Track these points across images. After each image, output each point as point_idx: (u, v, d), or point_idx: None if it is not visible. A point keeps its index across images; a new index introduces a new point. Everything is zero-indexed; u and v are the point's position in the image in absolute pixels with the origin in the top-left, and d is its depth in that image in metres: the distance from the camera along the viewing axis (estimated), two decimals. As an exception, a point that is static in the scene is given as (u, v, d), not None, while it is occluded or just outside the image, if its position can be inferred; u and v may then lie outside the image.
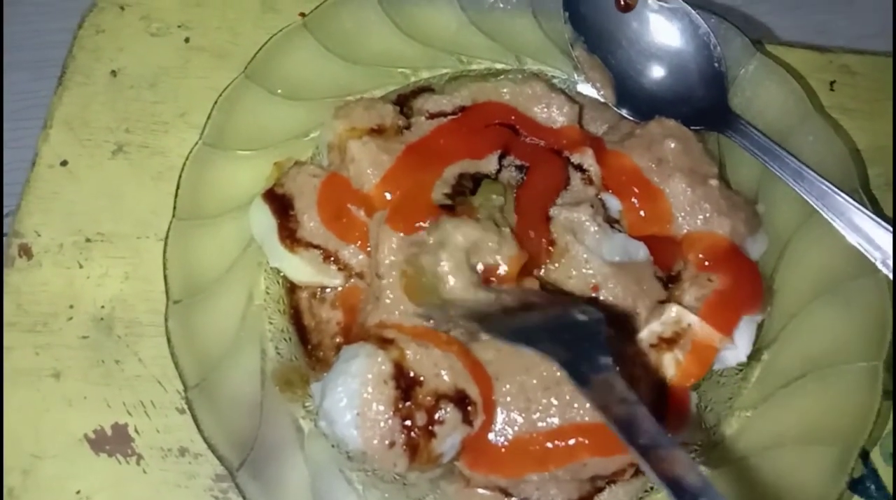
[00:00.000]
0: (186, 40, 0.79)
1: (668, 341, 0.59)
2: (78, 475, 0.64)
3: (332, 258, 0.63)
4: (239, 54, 0.77)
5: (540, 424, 0.56)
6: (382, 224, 0.60)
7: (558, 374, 0.56)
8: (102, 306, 0.69)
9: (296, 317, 0.65)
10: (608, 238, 0.62)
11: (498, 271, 0.57)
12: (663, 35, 0.71)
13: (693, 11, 0.71)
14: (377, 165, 0.63)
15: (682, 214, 0.64)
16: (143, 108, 0.76)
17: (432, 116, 0.67)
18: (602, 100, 0.73)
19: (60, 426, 0.65)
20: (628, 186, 0.65)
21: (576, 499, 0.59)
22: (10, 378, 0.66)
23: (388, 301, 0.60)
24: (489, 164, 0.65)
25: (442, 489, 0.60)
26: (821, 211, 0.64)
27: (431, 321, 0.59)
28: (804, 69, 0.79)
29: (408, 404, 0.55)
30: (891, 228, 0.61)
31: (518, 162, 0.66)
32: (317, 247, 0.63)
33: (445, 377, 0.57)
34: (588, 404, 0.52)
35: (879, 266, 0.61)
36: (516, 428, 0.57)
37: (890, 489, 0.65)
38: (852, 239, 0.62)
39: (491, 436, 0.57)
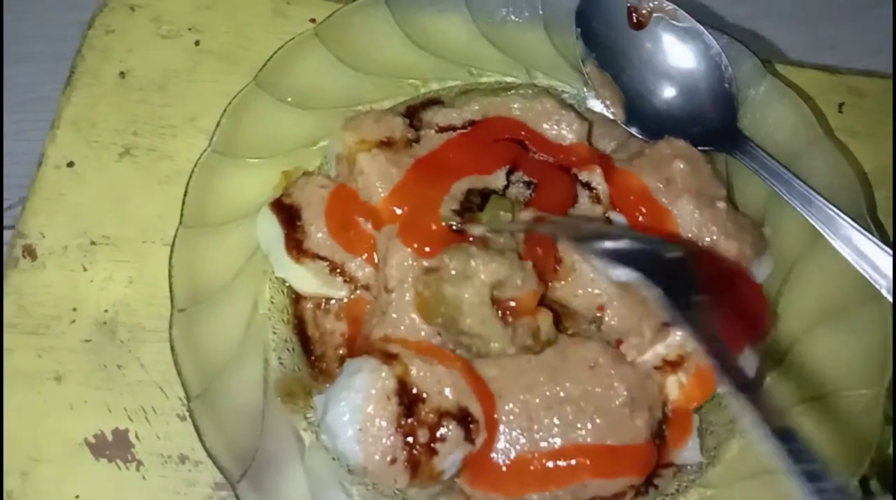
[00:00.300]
0: (196, 43, 0.79)
1: (673, 364, 0.59)
2: (77, 480, 0.64)
3: (339, 270, 0.63)
4: (249, 59, 0.77)
5: (542, 443, 0.56)
6: (392, 238, 0.60)
7: (561, 394, 0.57)
8: (106, 310, 0.69)
9: (300, 327, 0.65)
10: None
11: (516, 305, 0.57)
12: (675, 54, 0.71)
13: (705, 31, 0.71)
14: (386, 178, 0.63)
15: (690, 235, 0.64)
16: (152, 110, 0.76)
17: (442, 130, 0.67)
18: (612, 117, 0.73)
19: (61, 430, 0.65)
20: (636, 205, 0.65)
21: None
22: (12, 380, 0.66)
23: (394, 316, 0.60)
24: (497, 179, 0.65)
25: (442, 505, 0.60)
26: (827, 237, 0.64)
27: (438, 338, 0.59)
28: (813, 90, 0.79)
29: (410, 420, 0.55)
30: (897, 255, 0.61)
31: (526, 178, 0.65)
32: (323, 258, 0.63)
33: (448, 395, 0.57)
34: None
35: (884, 293, 0.61)
36: (518, 447, 0.57)
37: (888, 515, 0.65)
38: (858, 265, 0.62)
39: (492, 454, 0.57)
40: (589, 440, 0.55)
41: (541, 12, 0.74)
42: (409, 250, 0.60)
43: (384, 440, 0.54)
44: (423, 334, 0.59)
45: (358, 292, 0.64)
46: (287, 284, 0.65)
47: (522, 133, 0.68)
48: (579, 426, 0.56)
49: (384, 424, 0.55)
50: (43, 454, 0.64)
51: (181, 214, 0.63)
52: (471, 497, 0.59)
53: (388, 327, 0.60)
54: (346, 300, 0.65)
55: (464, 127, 0.68)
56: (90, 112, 0.76)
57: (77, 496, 0.63)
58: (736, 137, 0.69)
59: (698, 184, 0.66)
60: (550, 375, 0.57)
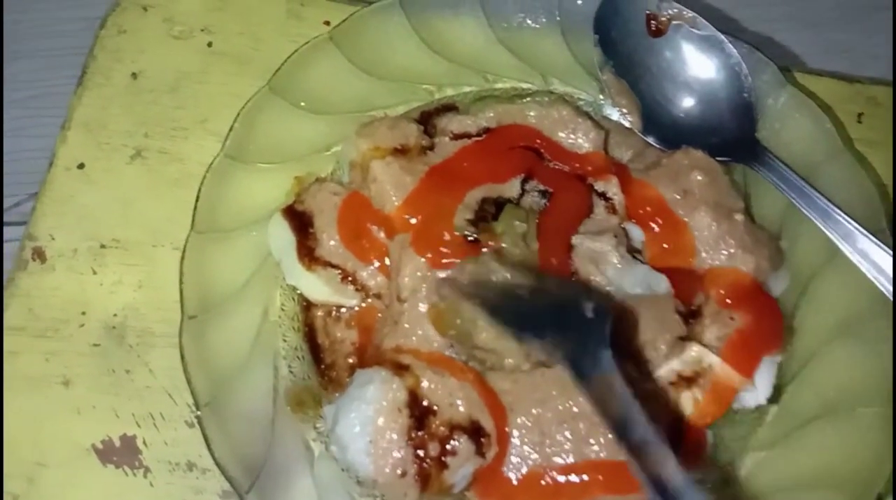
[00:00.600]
0: (209, 44, 0.79)
1: (688, 380, 0.58)
2: (84, 486, 0.63)
3: (351, 278, 0.62)
4: (261, 62, 0.77)
5: (554, 458, 0.56)
6: (405, 248, 0.59)
7: (574, 409, 0.56)
8: (115, 315, 0.68)
9: (310, 335, 0.65)
10: (630, 270, 0.62)
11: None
12: (694, 62, 0.70)
13: (725, 39, 0.70)
14: (399, 186, 0.62)
15: (706, 248, 0.63)
16: (163, 112, 0.76)
17: (456, 137, 0.67)
18: (628, 125, 0.72)
19: (68, 435, 0.64)
20: (652, 217, 0.64)
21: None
22: (19, 384, 0.66)
23: (406, 326, 0.59)
24: (512, 188, 0.64)
25: (452, 518, 0.59)
26: (845, 251, 0.63)
27: (450, 349, 0.58)
28: (832, 100, 0.78)
29: (421, 433, 0.55)
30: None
31: (541, 187, 0.65)
32: (335, 266, 0.62)
33: (460, 407, 0.56)
34: (586, 402, 0.51)
35: (903, 309, 0.60)
36: (529, 462, 0.56)
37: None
38: (876, 281, 0.62)
39: (503, 468, 0.56)
40: (602, 455, 0.55)
41: (558, 18, 0.73)
42: (422, 259, 0.59)
43: (395, 453, 0.54)
44: (435, 345, 0.59)
45: (370, 300, 0.63)
46: (298, 291, 0.64)
47: (538, 141, 0.67)
48: (592, 441, 0.55)
49: (395, 436, 0.54)
50: (49, 460, 0.64)
51: (193, 220, 0.63)
52: (481, 512, 0.58)
53: (400, 338, 0.59)
54: (357, 309, 0.64)
55: (479, 134, 0.67)
56: (101, 113, 0.75)
57: (83, 503, 0.63)
58: (755, 148, 0.68)
59: (716, 196, 0.65)
60: (563, 389, 0.56)
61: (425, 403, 0.56)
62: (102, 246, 0.71)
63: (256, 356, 0.62)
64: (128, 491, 0.63)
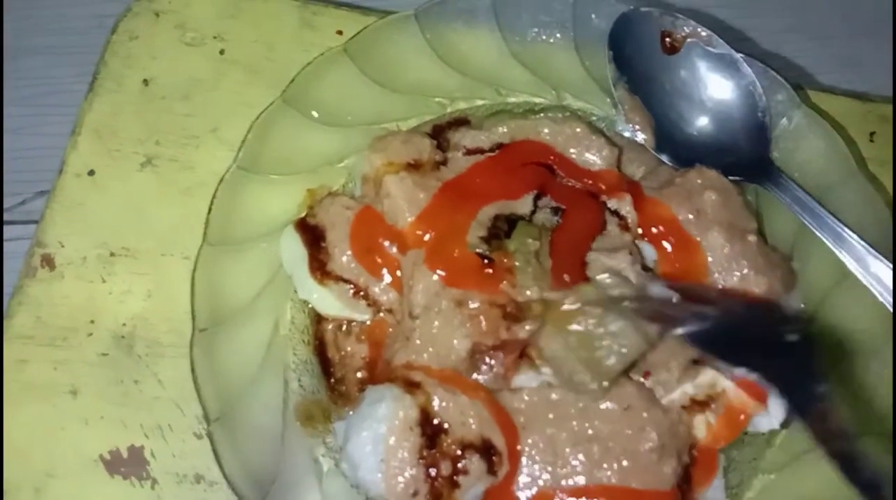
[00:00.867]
0: (221, 52, 0.78)
1: (701, 404, 0.58)
2: (91, 497, 0.63)
3: (363, 294, 0.62)
4: (274, 71, 0.76)
5: (565, 480, 0.55)
6: (418, 264, 0.59)
7: (590, 431, 0.56)
8: (124, 324, 0.68)
9: (320, 349, 0.64)
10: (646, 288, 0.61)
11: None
12: (708, 81, 0.70)
13: (739, 58, 0.70)
14: (413, 201, 0.62)
15: (719, 269, 0.63)
16: (174, 120, 0.75)
17: (469, 152, 0.66)
18: (641, 142, 0.72)
19: (75, 445, 0.64)
20: (665, 236, 0.64)
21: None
22: (26, 393, 0.65)
23: (417, 342, 0.59)
24: (524, 205, 0.64)
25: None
26: (858, 275, 0.63)
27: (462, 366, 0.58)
28: (844, 119, 0.78)
29: (433, 452, 0.55)
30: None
31: (554, 204, 0.64)
32: (347, 281, 0.62)
33: (472, 426, 0.56)
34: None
35: (916, 334, 0.60)
36: (540, 482, 0.56)
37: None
38: (889, 304, 0.62)
39: (514, 488, 0.56)
40: (613, 480, 0.54)
41: (572, 34, 0.73)
42: (435, 276, 0.59)
43: (406, 472, 0.54)
44: (446, 362, 0.58)
45: (381, 314, 0.63)
46: (309, 304, 0.64)
47: (551, 158, 0.67)
48: (605, 466, 0.55)
49: (406, 455, 0.54)
50: (57, 470, 0.63)
51: (205, 232, 0.62)
52: (490, 530, 0.58)
53: (412, 354, 0.59)
54: (368, 323, 0.64)
55: (491, 150, 0.67)
56: (112, 120, 0.75)
57: (90, 514, 0.63)
58: (768, 168, 0.68)
59: (729, 216, 0.65)
60: (581, 411, 0.56)
61: (437, 421, 0.56)
62: (112, 254, 0.70)
63: (267, 370, 0.62)
64: (135, 503, 0.63)
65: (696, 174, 0.67)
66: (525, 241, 0.61)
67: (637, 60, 0.71)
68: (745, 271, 0.63)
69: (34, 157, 0.85)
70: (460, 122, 0.71)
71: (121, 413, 0.65)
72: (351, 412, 0.60)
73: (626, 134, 0.73)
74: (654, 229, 0.65)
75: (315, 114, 0.68)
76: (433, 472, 0.54)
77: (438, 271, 0.59)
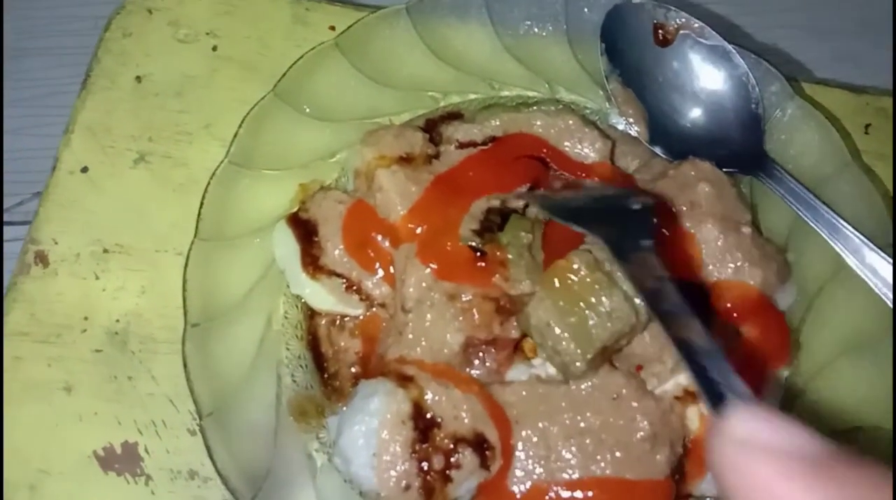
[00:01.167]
0: (214, 48, 0.78)
1: (693, 395, 0.58)
2: (85, 494, 0.63)
3: (355, 288, 0.62)
4: (267, 67, 0.76)
5: (559, 474, 0.55)
6: (411, 258, 0.59)
7: (582, 424, 0.55)
8: (117, 320, 0.68)
9: (313, 344, 0.64)
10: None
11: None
12: (701, 73, 0.70)
13: (733, 50, 0.69)
14: (405, 195, 0.62)
15: (713, 261, 0.63)
16: (168, 117, 0.75)
17: (462, 146, 0.66)
18: (635, 135, 0.71)
19: (70, 442, 0.64)
20: (658, 228, 0.64)
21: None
22: (21, 390, 0.65)
23: (410, 336, 0.59)
24: (517, 198, 0.64)
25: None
26: (853, 266, 0.63)
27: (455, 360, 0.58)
28: (840, 111, 0.77)
29: (425, 446, 0.54)
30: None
31: (547, 197, 0.64)
32: (340, 275, 0.62)
33: (465, 420, 0.56)
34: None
35: (911, 325, 0.60)
36: (534, 476, 0.56)
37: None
38: (884, 296, 0.61)
39: (507, 482, 0.56)
40: (607, 472, 0.54)
41: (565, 27, 0.73)
42: (427, 270, 0.59)
43: (399, 466, 0.53)
44: (439, 356, 0.58)
45: (374, 309, 0.63)
46: (302, 299, 0.64)
47: (544, 151, 0.67)
48: (598, 458, 0.55)
49: (399, 449, 0.54)
50: (51, 467, 0.63)
51: (196, 227, 0.62)
52: (484, 524, 0.58)
53: (404, 348, 0.59)
54: (361, 318, 0.63)
55: (484, 143, 0.67)
56: (106, 117, 0.75)
57: (84, 510, 0.63)
58: (762, 160, 0.67)
59: (723, 208, 0.64)
60: (571, 403, 0.56)
61: (429, 415, 0.55)
62: (105, 251, 0.70)
63: (260, 365, 0.61)
64: (129, 499, 0.63)
65: (690, 166, 0.66)
66: (518, 234, 0.61)
67: (630, 53, 0.71)
68: (740, 263, 0.63)
69: (33, 157, 0.85)
70: (453, 115, 0.71)
71: (115, 410, 0.65)
72: (344, 407, 0.59)
73: (620, 126, 0.73)
74: (647, 222, 0.64)
75: (307, 108, 0.68)
76: (426, 466, 0.54)
77: (431, 265, 0.59)
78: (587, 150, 0.67)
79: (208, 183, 0.64)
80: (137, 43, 0.78)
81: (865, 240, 0.63)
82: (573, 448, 0.55)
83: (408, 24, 0.71)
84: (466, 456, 0.55)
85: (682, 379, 0.58)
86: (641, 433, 0.55)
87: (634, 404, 0.56)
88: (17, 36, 0.92)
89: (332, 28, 0.78)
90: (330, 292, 0.62)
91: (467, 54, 0.73)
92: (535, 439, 0.56)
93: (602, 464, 0.54)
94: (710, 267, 0.63)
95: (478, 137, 0.67)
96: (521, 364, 0.58)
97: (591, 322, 0.55)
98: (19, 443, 0.64)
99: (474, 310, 0.58)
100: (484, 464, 0.55)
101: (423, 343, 0.58)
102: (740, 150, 0.68)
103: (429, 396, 0.56)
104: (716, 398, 0.35)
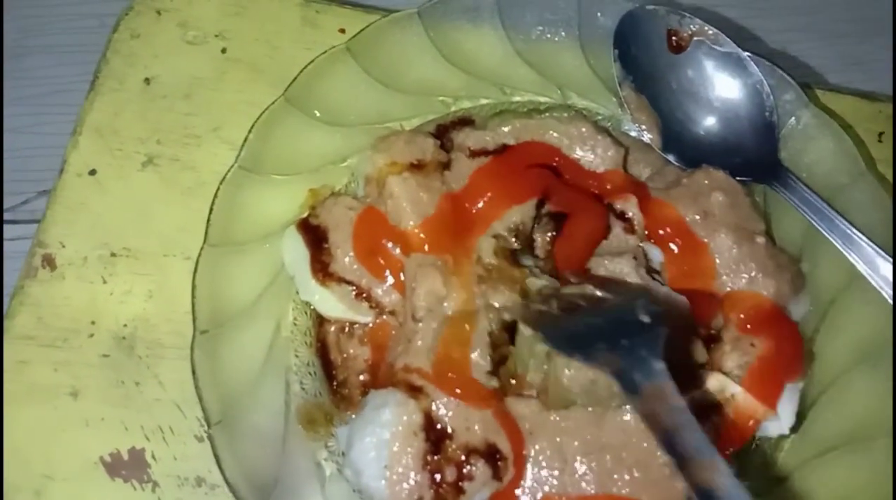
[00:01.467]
0: (223, 51, 0.78)
1: (709, 409, 0.57)
2: (91, 500, 0.63)
3: (365, 295, 0.62)
4: (275, 70, 0.76)
5: (572, 488, 0.54)
6: (422, 266, 0.59)
7: (602, 439, 0.55)
8: (125, 325, 0.67)
9: (322, 351, 0.64)
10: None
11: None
12: (715, 80, 0.69)
13: (746, 57, 0.69)
14: (416, 202, 0.61)
15: (727, 271, 0.62)
16: (176, 119, 0.75)
17: (473, 154, 0.65)
18: (647, 142, 0.71)
19: (76, 448, 0.64)
20: (672, 238, 0.63)
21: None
22: (27, 394, 0.65)
23: (419, 344, 0.58)
24: (528, 210, 0.63)
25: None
26: (867, 277, 0.62)
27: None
28: (853, 118, 0.77)
29: (437, 457, 0.54)
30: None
31: (557, 209, 0.63)
32: (349, 282, 0.61)
33: (476, 430, 0.55)
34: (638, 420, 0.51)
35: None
36: (546, 488, 0.55)
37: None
38: (899, 307, 0.61)
39: (519, 492, 0.55)
40: (624, 492, 0.53)
41: (577, 32, 0.72)
42: (438, 279, 0.59)
43: (411, 479, 0.53)
44: (450, 365, 0.58)
45: (384, 317, 0.62)
46: (311, 306, 0.63)
47: (556, 159, 0.66)
48: (616, 476, 0.54)
49: (411, 461, 0.53)
50: (57, 472, 0.63)
51: (206, 233, 0.62)
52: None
53: (414, 357, 0.58)
54: (370, 325, 0.63)
55: (496, 151, 0.66)
56: (113, 119, 0.74)
57: (91, 517, 0.62)
58: (777, 169, 0.67)
59: (737, 218, 0.64)
60: (595, 420, 0.55)
61: (440, 426, 0.55)
62: (113, 254, 0.70)
63: (268, 372, 0.61)
64: (135, 506, 0.63)
65: (704, 175, 0.66)
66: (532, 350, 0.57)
67: (643, 59, 0.70)
68: (754, 273, 0.62)
69: (36, 156, 0.85)
70: (464, 121, 0.70)
71: (122, 415, 0.65)
72: (353, 417, 0.59)
73: (633, 134, 0.72)
74: (660, 231, 0.64)
75: (317, 113, 0.68)
76: (438, 478, 0.54)
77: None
78: (599, 157, 0.67)
79: (218, 188, 0.63)
80: (146, 44, 0.77)
81: (879, 250, 0.62)
82: (592, 463, 0.54)
83: (419, 29, 0.70)
84: (479, 467, 0.54)
85: (697, 394, 0.57)
86: (663, 458, 0.54)
87: None
88: (18, 34, 0.91)
89: (342, 31, 0.78)
90: (339, 300, 0.62)
91: (479, 59, 0.72)
92: (549, 451, 0.55)
93: (619, 483, 0.54)
94: (724, 277, 0.62)
95: (489, 144, 0.66)
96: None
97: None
98: (24, 448, 0.63)
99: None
100: (496, 475, 0.55)
101: (433, 352, 0.58)
102: (754, 158, 0.68)
103: (439, 406, 0.55)
104: None
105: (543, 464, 0.55)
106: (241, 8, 0.79)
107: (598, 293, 0.55)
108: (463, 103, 0.72)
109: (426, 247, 0.60)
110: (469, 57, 0.72)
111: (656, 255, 0.64)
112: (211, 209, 0.62)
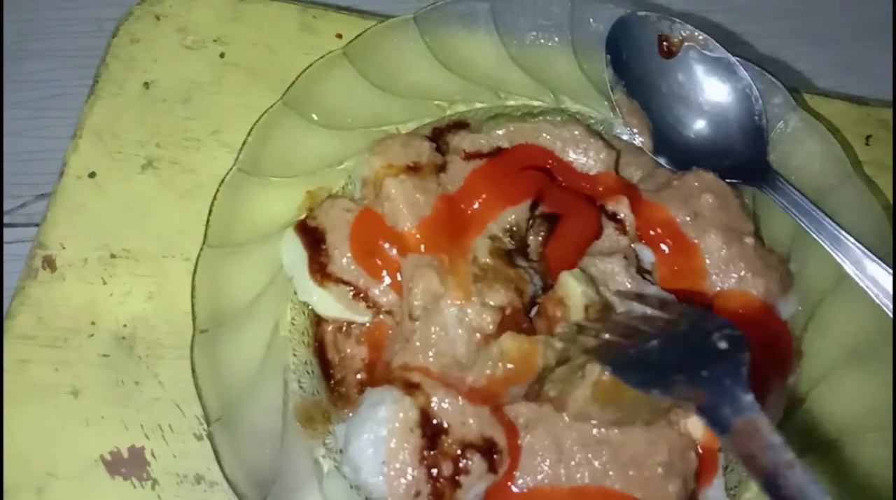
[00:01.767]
0: (221, 55, 0.79)
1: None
2: (92, 498, 0.63)
3: (362, 295, 0.63)
4: (274, 74, 0.77)
5: (566, 478, 0.55)
6: (419, 266, 0.60)
7: (603, 430, 0.56)
8: (125, 325, 0.68)
9: (320, 350, 0.65)
10: (640, 291, 0.62)
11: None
12: (705, 84, 0.71)
13: (736, 62, 0.70)
14: (413, 204, 0.62)
15: (717, 271, 0.63)
16: (175, 123, 0.76)
17: (469, 156, 0.67)
18: (639, 145, 0.72)
19: (76, 446, 0.64)
20: (663, 238, 0.65)
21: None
22: (28, 394, 0.66)
23: (417, 344, 0.59)
24: (521, 211, 0.64)
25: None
26: (855, 277, 0.63)
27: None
28: (841, 122, 0.78)
29: (433, 452, 0.55)
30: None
31: (550, 210, 0.64)
32: (347, 283, 0.62)
33: (472, 425, 0.56)
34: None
35: (912, 335, 0.61)
36: (540, 477, 0.56)
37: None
38: (885, 306, 0.62)
39: (514, 482, 0.56)
40: (616, 486, 0.55)
41: (570, 37, 0.73)
42: (435, 278, 0.60)
43: (408, 474, 0.54)
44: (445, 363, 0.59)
45: (381, 316, 0.63)
46: (309, 306, 0.64)
47: (549, 162, 0.67)
48: (611, 471, 0.55)
49: (408, 457, 0.54)
50: (58, 471, 0.64)
51: (205, 234, 0.62)
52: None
53: (411, 356, 0.59)
54: (367, 325, 0.64)
55: (490, 154, 0.67)
56: (113, 122, 0.75)
57: (91, 515, 0.63)
58: (765, 171, 0.68)
59: (727, 219, 0.65)
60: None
61: (436, 421, 0.56)
62: (113, 256, 0.70)
63: (267, 371, 0.62)
64: (135, 504, 0.63)
65: (694, 177, 0.67)
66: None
67: (634, 64, 0.72)
68: (743, 273, 0.63)
69: (35, 159, 0.86)
70: (459, 125, 0.71)
71: (121, 414, 0.66)
72: (350, 414, 0.60)
73: (624, 137, 0.73)
74: (651, 232, 0.65)
75: (315, 116, 0.69)
76: (435, 472, 0.55)
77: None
78: (592, 160, 0.68)
79: (217, 190, 0.64)
80: (145, 49, 0.78)
81: (866, 251, 0.63)
82: (588, 455, 0.55)
83: (415, 34, 0.72)
84: (475, 461, 0.55)
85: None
86: (658, 458, 0.55)
87: (658, 429, 0.56)
88: (18, 38, 0.92)
89: (340, 36, 0.79)
90: (337, 300, 0.62)
91: (474, 64, 0.73)
92: (547, 442, 0.56)
93: (613, 477, 0.55)
94: (714, 277, 0.64)
95: (484, 147, 0.67)
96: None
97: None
98: (25, 447, 0.64)
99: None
100: (492, 468, 0.56)
101: (430, 350, 0.59)
102: (743, 161, 0.69)
103: (435, 402, 0.56)
104: None
105: (540, 455, 0.56)
106: (239, 13, 0.80)
107: (653, 313, 0.52)
108: (458, 107, 0.73)
109: (422, 247, 0.61)
110: (464, 62, 0.73)
111: (647, 255, 0.65)
112: (210, 211, 0.63)
